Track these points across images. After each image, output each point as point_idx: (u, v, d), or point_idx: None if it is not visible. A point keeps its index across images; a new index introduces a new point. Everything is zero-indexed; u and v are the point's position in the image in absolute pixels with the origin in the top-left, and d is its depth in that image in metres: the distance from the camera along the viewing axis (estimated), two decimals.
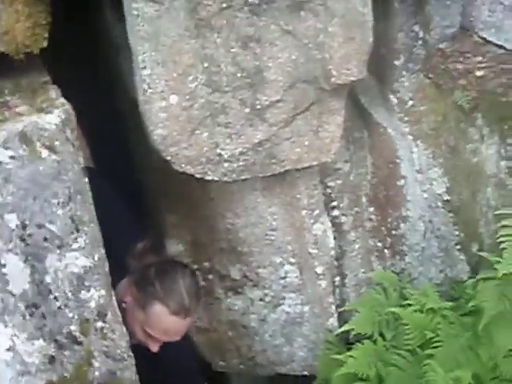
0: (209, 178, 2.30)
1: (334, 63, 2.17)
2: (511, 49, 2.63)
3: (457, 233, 2.54)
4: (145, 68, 2.13)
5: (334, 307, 2.63)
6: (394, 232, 2.63)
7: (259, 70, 2.17)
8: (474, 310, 2.40)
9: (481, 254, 2.42)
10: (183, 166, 2.26)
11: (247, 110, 2.22)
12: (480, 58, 2.64)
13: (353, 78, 2.20)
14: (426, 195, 2.56)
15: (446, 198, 2.54)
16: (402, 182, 2.58)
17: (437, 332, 2.37)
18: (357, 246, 2.68)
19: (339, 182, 2.63)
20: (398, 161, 2.57)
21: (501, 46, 2.63)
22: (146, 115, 2.19)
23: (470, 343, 2.33)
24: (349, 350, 2.49)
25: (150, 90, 2.17)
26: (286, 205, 2.56)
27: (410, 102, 2.55)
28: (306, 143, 2.30)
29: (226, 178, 2.30)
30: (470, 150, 2.52)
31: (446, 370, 2.27)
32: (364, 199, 2.66)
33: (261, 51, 2.14)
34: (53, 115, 1.87)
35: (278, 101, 2.21)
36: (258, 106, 2.21)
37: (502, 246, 2.30)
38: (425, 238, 2.58)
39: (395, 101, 2.56)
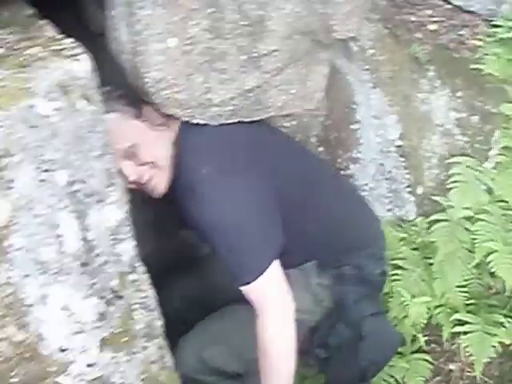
0: (195, 121, 2.30)
1: (337, 18, 2.24)
2: (457, 4, 2.84)
3: (407, 176, 2.75)
4: (143, 8, 2.07)
5: None
6: (342, 172, 2.80)
7: (262, 20, 2.19)
8: (423, 246, 2.66)
9: (434, 197, 2.67)
10: (172, 109, 2.25)
11: (244, 58, 2.23)
12: (430, 12, 2.82)
13: (351, 34, 2.28)
14: (379, 140, 2.73)
15: (399, 143, 2.73)
16: (357, 126, 2.73)
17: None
18: None
19: (294, 122, 2.73)
20: (354, 106, 2.72)
21: (447, 1, 2.83)
22: (138, 57, 2.14)
23: (423, 277, 2.60)
24: None
25: (145, 32, 2.12)
26: None
27: (370, 51, 2.67)
28: (293, 91, 2.37)
29: (213, 122, 2.32)
30: (420, 100, 2.71)
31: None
32: (313, 139, 2.79)
33: (266, 1, 2.16)
34: (82, 62, 1.76)
35: (274, 50, 2.25)
36: (255, 54, 2.24)
37: (452, 191, 2.59)
38: (374, 180, 2.77)
39: (356, 48, 2.67)
